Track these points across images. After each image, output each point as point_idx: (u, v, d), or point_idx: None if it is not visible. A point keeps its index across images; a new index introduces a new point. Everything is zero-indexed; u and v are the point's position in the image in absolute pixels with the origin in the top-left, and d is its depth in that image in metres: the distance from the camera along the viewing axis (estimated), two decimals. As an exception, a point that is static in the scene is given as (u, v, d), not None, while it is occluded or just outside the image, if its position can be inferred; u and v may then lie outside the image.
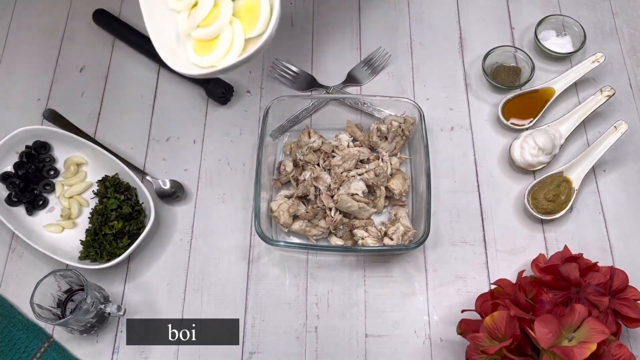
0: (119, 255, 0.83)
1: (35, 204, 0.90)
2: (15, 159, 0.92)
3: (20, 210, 0.90)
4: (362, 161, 0.89)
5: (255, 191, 0.83)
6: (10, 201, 0.89)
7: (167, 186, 0.91)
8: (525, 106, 0.95)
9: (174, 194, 0.90)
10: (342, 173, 0.86)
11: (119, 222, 0.85)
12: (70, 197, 0.90)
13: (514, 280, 0.80)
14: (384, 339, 0.82)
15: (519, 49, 0.99)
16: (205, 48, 0.75)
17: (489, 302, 0.76)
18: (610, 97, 0.93)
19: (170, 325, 0.82)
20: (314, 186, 0.86)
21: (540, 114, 0.95)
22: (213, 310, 0.84)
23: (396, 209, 0.87)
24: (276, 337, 0.82)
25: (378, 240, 0.83)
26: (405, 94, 0.98)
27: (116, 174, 0.90)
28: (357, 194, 0.85)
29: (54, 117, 0.96)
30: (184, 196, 0.90)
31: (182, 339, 0.82)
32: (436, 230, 0.88)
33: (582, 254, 0.79)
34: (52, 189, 0.92)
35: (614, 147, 0.90)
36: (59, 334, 0.82)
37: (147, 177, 0.91)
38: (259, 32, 0.72)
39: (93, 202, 0.90)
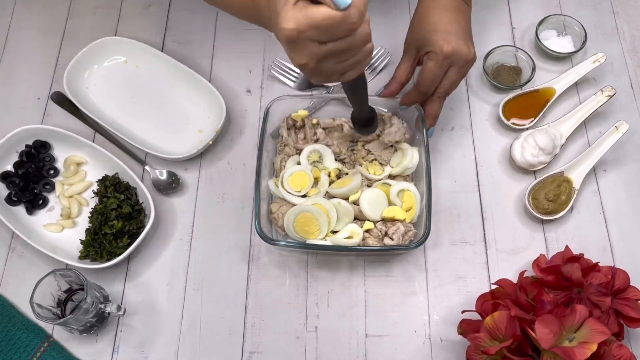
0: (119, 254, 0.83)
1: (35, 203, 0.90)
2: (15, 158, 0.92)
3: (20, 209, 0.90)
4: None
5: (255, 191, 0.82)
6: (10, 200, 0.89)
7: (164, 176, 0.91)
8: (525, 106, 0.95)
9: (170, 184, 0.90)
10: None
11: (118, 222, 0.85)
12: (70, 197, 0.90)
13: (514, 280, 0.79)
14: (384, 339, 0.82)
15: (520, 49, 0.98)
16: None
17: (489, 302, 0.76)
18: (611, 97, 0.93)
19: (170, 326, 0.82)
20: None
21: (541, 114, 0.95)
22: (213, 310, 0.84)
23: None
24: (276, 337, 0.82)
25: (378, 240, 0.83)
26: (404, 93, 0.98)
27: (116, 173, 0.90)
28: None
29: (61, 100, 0.95)
30: (180, 187, 0.91)
31: (181, 339, 0.82)
32: (436, 230, 0.88)
33: (583, 254, 0.79)
34: (52, 188, 0.92)
35: (615, 147, 0.90)
36: (59, 333, 0.82)
37: (146, 167, 0.91)
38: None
39: (93, 202, 0.90)
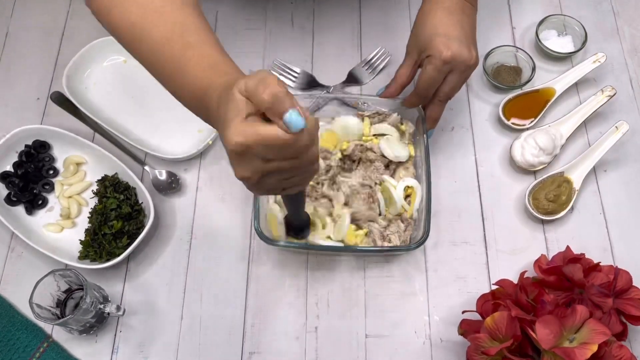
0: (119, 255, 0.83)
1: (34, 203, 0.90)
2: (14, 158, 0.92)
3: (20, 209, 0.90)
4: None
5: (255, 191, 0.82)
6: (9, 201, 0.89)
7: (164, 177, 0.91)
8: (526, 106, 0.95)
9: (170, 185, 0.90)
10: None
11: (118, 222, 0.85)
12: (70, 197, 0.90)
13: (514, 281, 0.79)
14: (384, 339, 0.82)
15: (520, 49, 0.98)
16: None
17: (490, 302, 0.76)
18: (611, 97, 0.93)
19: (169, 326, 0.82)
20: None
21: (541, 114, 0.94)
22: (213, 310, 0.84)
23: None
24: (276, 337, 0.82)
25: (379, 240, 0.83)
26: (406, 94, 0.97)
27: (115, 173, 0.90)
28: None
29: (61, 100, 0.95)
30: (179, 188, 0.91)
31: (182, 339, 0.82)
32: (436, 230, 0.88)
33: (583, 255, 0.79)
34: (52, 188, 0.91)
35: (615, 148, 0.90)
36: (58, 333, 0.82)
37: (146, 167, 0.91)
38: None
39: (92, 202, 0.90)
